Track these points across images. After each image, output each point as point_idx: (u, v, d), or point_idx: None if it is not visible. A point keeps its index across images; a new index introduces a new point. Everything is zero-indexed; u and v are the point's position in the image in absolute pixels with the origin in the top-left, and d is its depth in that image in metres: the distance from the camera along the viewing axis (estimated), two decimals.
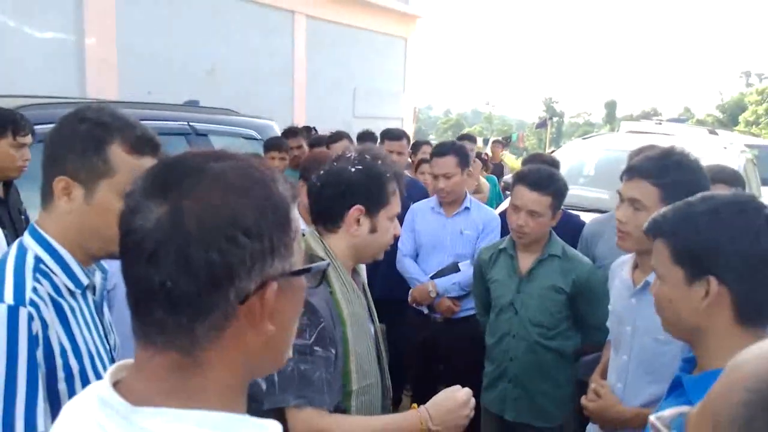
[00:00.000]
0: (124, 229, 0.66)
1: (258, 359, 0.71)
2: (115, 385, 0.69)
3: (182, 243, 0.62)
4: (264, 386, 1.50)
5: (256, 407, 1.48)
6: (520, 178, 2.42)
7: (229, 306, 0.65)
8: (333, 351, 1.48)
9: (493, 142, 11.12)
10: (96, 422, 0.66)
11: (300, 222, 0.74)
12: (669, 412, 0.73)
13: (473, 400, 1.53)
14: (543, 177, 2.39)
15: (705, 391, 1.09)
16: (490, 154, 9.93)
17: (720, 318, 1.15)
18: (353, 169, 1.57)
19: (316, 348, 1.44)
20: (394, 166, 1.66)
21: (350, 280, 1.60)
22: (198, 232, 0.63)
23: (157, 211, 0.64)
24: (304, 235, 1.67)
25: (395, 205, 1.63)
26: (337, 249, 1.58)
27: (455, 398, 1.49)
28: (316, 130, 6.50)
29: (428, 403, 1.49)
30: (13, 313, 1.08)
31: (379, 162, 1.61)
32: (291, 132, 4.81)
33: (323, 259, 1.53)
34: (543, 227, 2.40)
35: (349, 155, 1.62)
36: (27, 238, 1.22)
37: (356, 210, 1.55)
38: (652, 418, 0.71)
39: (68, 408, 0.73)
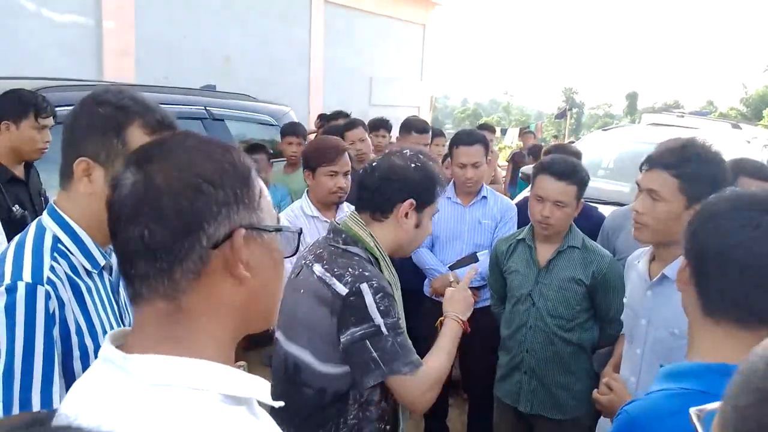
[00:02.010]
0: (109, 203, 0.74)
1: (244, 312, 0.76)
2: (117, 347, 0.73)
3: (154, 196, 0.70)
4: (321, 369, 1.61)
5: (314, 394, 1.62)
6: (544, 168, 2.38)
7: (202, 251, 0.71)
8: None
9: (525, 132, 11.12)
10: (97, 375, 0.72)
11: (265, 187, 0.81)
12: (711, 406, 0.73)
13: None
14: (568, 166, 2.35)
15: (667, 380, 1.10)
16: (520, 144, 9.90)
17: (692, 307, 1.15)
18: (413, 166, 1.71)
19: (401, 322, 1.62)
20: (441, 170, 1.80)
21: (392, 267, 1.74)
22: (166, 185, 0.70)
23: (132, 178, 0.72)
24: (338, 224, 1.76)
25: (436, 206, 1.77)
26: (381, 238, 1.71)
27: (461, 292, 1.82)
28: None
29: (447, 307, 1.78)
30: (30, 291, 1.10)
31: (431, 163, 1.76)
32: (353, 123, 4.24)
33: (370, 248, 1.68)
34: (568, 218, 2.37)
35: (405, 152, 1.76)
36: (46, 218, 1.24)
37: (409, 203, 1.68)
38: (692, 411, 0.71)
39: (80, 378, 0.78)
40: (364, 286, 1.57)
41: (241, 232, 0.73)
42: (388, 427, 1.68)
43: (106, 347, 0.73)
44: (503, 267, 2.58)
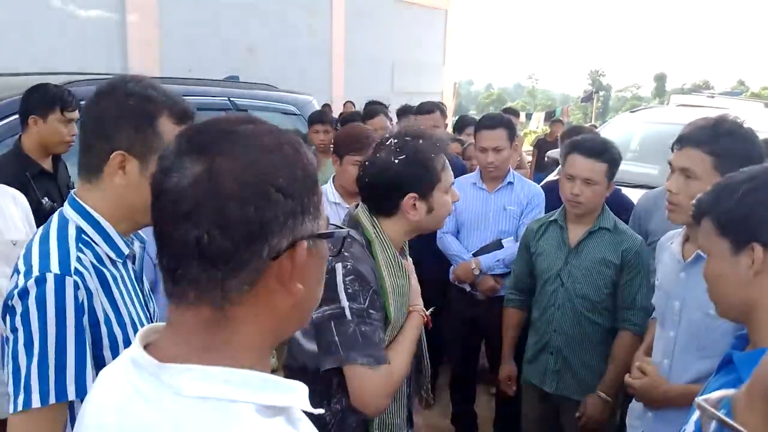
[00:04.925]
0: (158, 189, 0.67)
1: (285, 320, 0.73)
2: (147, 347, 0.70)
3: (220, 199, 0.64)
4: (305, 346, 1.54)
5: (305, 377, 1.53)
6: (574, 146, 2.38)
7: (261, 262, 0.66)
8: (381, 315, 1.55)
9: (554, 121, 11.11)
10: (127, 380, 0.69)
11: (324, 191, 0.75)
12: (716, 394, 0.71)
13: None
14: (598, 144, 2.36)
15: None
16: (546, 129, 9.85)
17: None
18: (397, 161, 1.57)
19: (371, 311, 1.51)
20: (437, 139, 1.67)
21: (395, 253, 1.63)
22: (235, 188, 0.64)
23: (193, 170, 0.65)
24: (357, 207, 1.70)
25: (447, 177, 1.65)
26: (389, 230, 1.62)
27: (416, 284, 1.75)
28: (354, 105, 6.47)
29: (414, 300, 1.70)
30: (59, 282, 1.10)
31: (421, 141, 1.61)
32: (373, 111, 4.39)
33: (368, 232, 1.60)
34: (598, 197, 2.36)
35: (389, 142, 1.62)
36: (68, 210, 1.24)
37: (410, 198, 1.58)
38: (699, 400, 0.69)
39: (104, 372, 0.76)
40: (338, 266, 1.50)
41: (304, 245, 0.68)
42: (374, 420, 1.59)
43: (137, 350, 0.70)
44: (532, 249, 2.56)
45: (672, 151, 1.86)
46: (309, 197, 0.69)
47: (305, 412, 0.72)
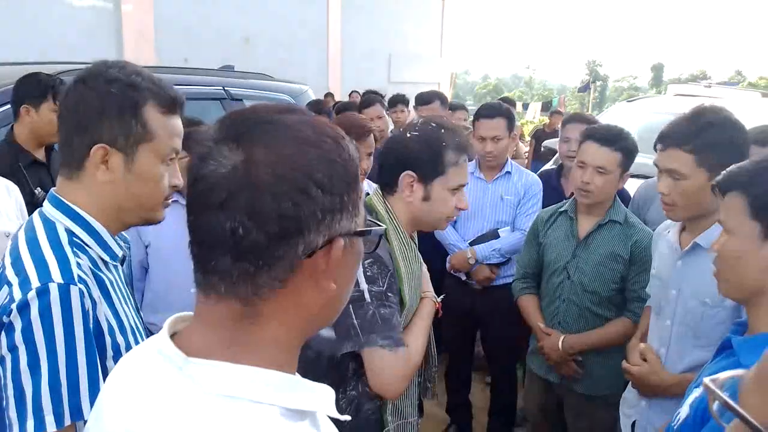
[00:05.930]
0: (194, 176, 0.65)
1: (314, 318, 0.71)
2: (173, 336, 0.69)
3: (255, 191, 0.61)
4: (322, 333, 1.51)
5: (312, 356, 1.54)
6: (589, 134, 2.34)
7: (295, 258, 0.64)
8: (397, 299, 1.56)
9: (554, 113, 11.11)
10: (152, 369, 0.67)
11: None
12: (724, 375, 0.71)
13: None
14: (612, 133, 2.32)
15: (756, 351, 1.05)
16: (543, 119, 9.84)
17: None
18: (409, 135, 1.61)
19: (389, 294, 1.51)
20: (460, 138, 1.66)
21: (409, 240, 1.66)
22: (271, 181, 0.62)
23: (231, 158, 0.63)
24: (368, 194, 1.73)
25: (456, 177, 1.63)
26: (397, 212, 1.65)
27: (425, 271, 1.79)
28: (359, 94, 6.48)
29: (425, 287, 1.74)
30: (64, 293, 1.00)
31: (442, 131, 1.62)
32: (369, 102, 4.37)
33: (381, 216, 1.62)
34: (609, 187, 2.31)
35: (414, 122, 1.67)
36: (51, 210, 1.13)
37: (406, 176, 1.60)
38: (706, 380, 0.69)
39: (126, 359, 0.74)
40: None
41: (340, 243, 0.66)
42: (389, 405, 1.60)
43: (164, 340, 0.68)
44: (541, 238, 2.52)
45: (655, 150, 1.85)
46: (348, 194, 0.67)
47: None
